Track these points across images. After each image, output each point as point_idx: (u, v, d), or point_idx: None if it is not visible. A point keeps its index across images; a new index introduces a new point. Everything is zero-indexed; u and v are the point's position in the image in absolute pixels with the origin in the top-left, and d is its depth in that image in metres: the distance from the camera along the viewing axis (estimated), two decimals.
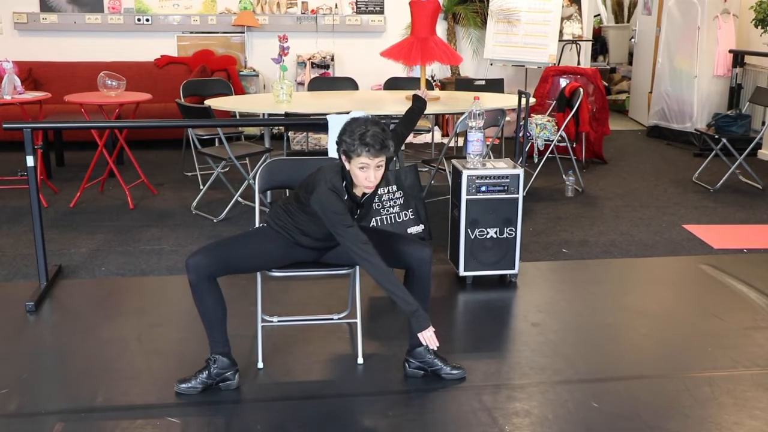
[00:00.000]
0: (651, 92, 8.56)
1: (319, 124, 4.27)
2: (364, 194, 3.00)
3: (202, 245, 3.06)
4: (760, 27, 6.99)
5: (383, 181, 3.96)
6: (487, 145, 5.02)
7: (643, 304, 3.96)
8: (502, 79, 7.00)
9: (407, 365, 3.18)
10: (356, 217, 3.00)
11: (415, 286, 3.06)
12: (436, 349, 2.90)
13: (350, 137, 2.80)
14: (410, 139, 7.73)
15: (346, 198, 2.91)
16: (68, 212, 5.44)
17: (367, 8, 8.23)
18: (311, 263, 3.17)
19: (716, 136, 6.34)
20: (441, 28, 8.08)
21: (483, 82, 6.87)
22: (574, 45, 8.36)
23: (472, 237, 4.06)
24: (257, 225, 3.35)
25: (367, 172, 2.83)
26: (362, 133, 2.78)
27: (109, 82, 5.77)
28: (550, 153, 6.26)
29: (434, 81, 7.68)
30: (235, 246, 3.03)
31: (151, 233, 4.99)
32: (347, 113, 4.15)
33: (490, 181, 3.99)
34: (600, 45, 11.27)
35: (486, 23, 7.99)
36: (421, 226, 4.04)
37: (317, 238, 3.04)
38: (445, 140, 7.09)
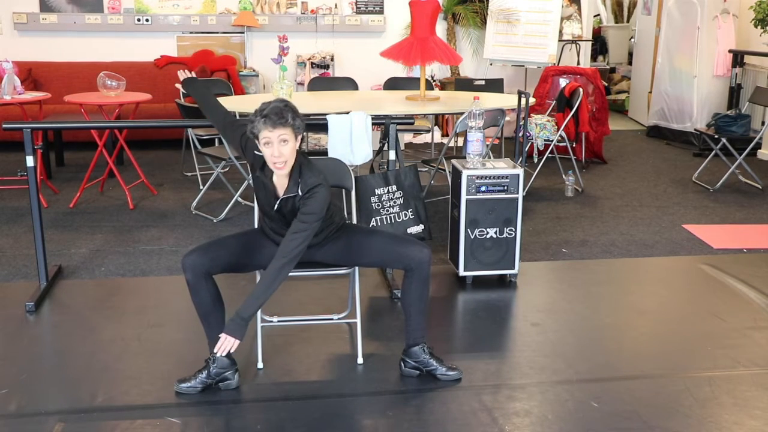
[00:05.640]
0: (651, 92, 8.56)
1: (319, 125, 4.28)
2: (284, 198, 2.92)
3: (198, 244, 3.06)
4: (759, 27, 6.99)
5: (382, 180, 4.00)
6: (487, 145, 5.02)
7: (643, 304, 3.96)
8: (502, 79, 7.00)
9: (403, 364, 3.18)
10: (276, 209, 2.96)
11: (413, 287, 3.06)
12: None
13: (253, 117, 2.79)
14: (410, 139, 7.74)
15: (264, 179, 2.94)
16: (68, 212, 5.44)
17: (366, 8, 8.23)
18: (309, 263, 3.16)
19: (716, 136, 6.34)
20: (441, 28, 8.08)
21: (483, 82, 6.88)
22: (573, 45, 8.36)
23: (472, 237, 4.06)
24: (256, 226, 3.35)
25: (271, 148, 2.79)
26: (261, 109, 2.80)
27: (109, 82, 5.77)
28: (549, 153, 6.25)
29: (434, 81, 7.68)
30: (230, 243, 3.04)
31: (151, 233, 4.99)
32: (347, 113, 4.16)
33: (490, 181, 3.99)
34: (600, 45, 11.27)
35: (486, 23, 7.99)
36: (421, 226, 4.04)
37: (272, 226, 3.06)
38: (445, 140, 7.08)
